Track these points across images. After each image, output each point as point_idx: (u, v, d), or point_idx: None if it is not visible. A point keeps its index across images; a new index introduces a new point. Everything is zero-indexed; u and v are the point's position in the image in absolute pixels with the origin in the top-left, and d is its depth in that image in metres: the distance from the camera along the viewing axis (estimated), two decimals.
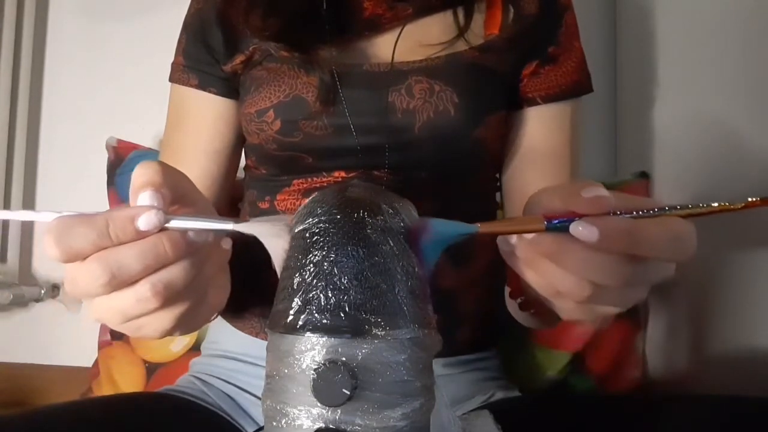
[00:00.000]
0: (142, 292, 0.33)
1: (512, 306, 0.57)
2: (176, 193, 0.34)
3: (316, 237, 0.33)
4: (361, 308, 0.31)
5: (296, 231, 0.34)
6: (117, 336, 0.96)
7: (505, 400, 0.64)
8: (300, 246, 0.33)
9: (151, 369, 0.93)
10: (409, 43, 0.61)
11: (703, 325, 0.78)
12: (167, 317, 0.35)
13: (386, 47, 0.61)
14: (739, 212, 0.33)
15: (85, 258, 0.32)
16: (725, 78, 0.75)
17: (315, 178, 0.62)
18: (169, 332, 0.37)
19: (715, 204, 0.33)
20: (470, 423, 0.47)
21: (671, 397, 0.60)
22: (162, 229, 0.33)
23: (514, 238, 0.36)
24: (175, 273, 0.33)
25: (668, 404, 0.53)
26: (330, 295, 0.31)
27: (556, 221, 0.32)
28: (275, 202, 0.64)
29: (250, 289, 0.60)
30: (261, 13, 0.61)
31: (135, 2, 1.20)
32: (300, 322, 0.31)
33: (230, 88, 0.66)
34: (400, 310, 0.32)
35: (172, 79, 0.68)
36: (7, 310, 1.19)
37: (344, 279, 0.31)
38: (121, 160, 0.99)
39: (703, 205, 0.33)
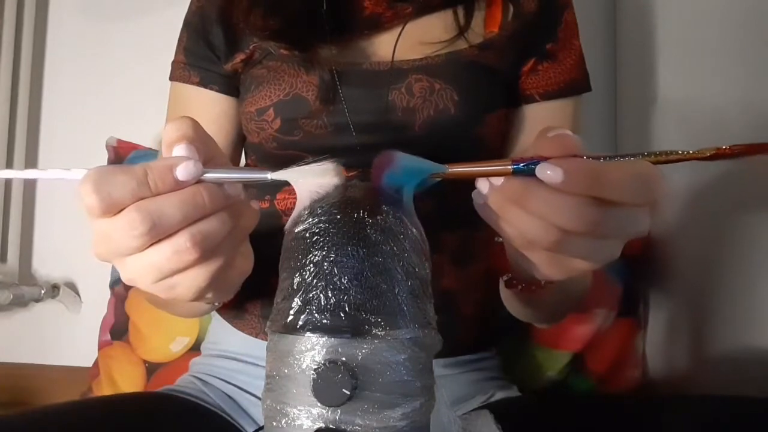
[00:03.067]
0: (181, 243, 0.32)
1: (507, 298, 0.57)
2: (206, 153, 0.34)
3: (316, 237, 0.33)
4: (361, 308, 0.31)
5: (296, 231, 0.34)
6: (117, 336, 0.96)
7: (505, 400, 0.64)
8: (300, 246, 0.33)
9: (151, 369, 0.93)
10: (409, 41, 0.61)
11: (703, 325, 0.78)
12: (202, 274, 0.35)
13: (386, 46, 0.61)
14: (709, 160, 0.33)
15: (120, 209, 0.32)
16: (725, 77, 0.75)
17: None
18: (203, 292, 0.36)
19: (683, 151, 0.33)
20: (470, 423, 0.47)
21: (671, 397, 0.60)
22: (198, 182, 0.33)
23: (485, 188, 0.36)
24: (213, 224, 0.33)
25: (668, 404, 0.53)
26: (330, 295, 0.31)
27: (523, 164, 0.33)
28: (275, 201, 0.64)
29: (252, 289, 0.60)
30: (262, 12, 0.61)
31: (135, 2, 1.20)
32: (300, 322, 0.31)
33: (231, 85, 0.66)
34: (400, 310, 0.32)
35: (172, 78, 0.67)
36: (7, 310, 1.19)
37: (344, 279, 0.31)
38: (121, 160, 0.99)
39: (671, 152, 0.33)
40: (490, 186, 0.35)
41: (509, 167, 0.33)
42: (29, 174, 0.37)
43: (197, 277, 0.35)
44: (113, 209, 0.32)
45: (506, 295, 0.57)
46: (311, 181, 0.34)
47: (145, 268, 0.33)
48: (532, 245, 0.35)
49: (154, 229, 0.31)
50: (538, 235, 0.33)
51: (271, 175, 0.34)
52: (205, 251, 0.33)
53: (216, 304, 0.49)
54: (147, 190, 0.31)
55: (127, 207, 0.31)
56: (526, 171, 0.33)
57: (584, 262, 0.36)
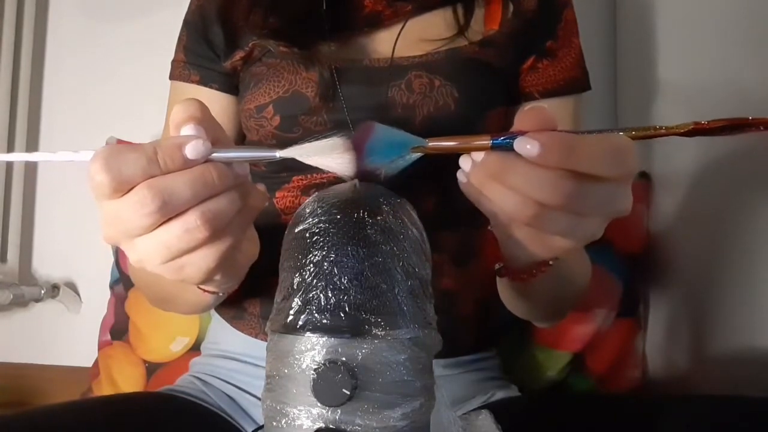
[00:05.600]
0: (191, 221, 0.32)
1: (503, 291, 0.57)
2: (213, 134, 0.34)
3: (316, 237, 0.33)
4: (361, 308, 0.31)
5: (296, 231, 0.34)
6: (117, 336, 0.96)
7: (505, 400, 0.64)
8: (300, 246, 0.33)
9: (151, 369, 0.93)
10: (408, 38, 0.61)
11: (703, 325, 0.78)
12: (212, 254, 0.34)
13: (386, 43, 0.61)
14: (687, 135, 0.34)
15: (130, 188, 0.32)
16: (725, 77, 0.75)
17: (314, 175, 0.62)
18: (212, 273, 0.36)
19: (661, 127, 0.34)
20: (470, 423, 0.47)
21: (671, 397, 0.60)
22: (207, 161, 0.33)
23: (467, 166, 0.37)
24: (223, 203, 0.33)
25: (668, 404, 0.53)
26: (330, 295, 0.31)
27: (501, 138, 0.33)
28: (275, 200, 0.64)
29: (252, 289, 0.60)
30: (262, 10, 0.61)
31: (135, 2, 1.20)
32: (300, 322, 0.31)
33: (231, 84, 0.66)
34: (400, 310, 0.32)
35: (172, 76, 0.67)
36: (7, 310, 1.19)
37: (344, 279, 0.31)
38: None
39: (649, 128, 0.34)
40: (472, 163, 0.36)
41: (488, 141, 0.34)
42: (36, 156, 0.37)
43: (207, 256, 0.35)
44: (123, 187, 0.32)
45: (502, 289, 0.57)
46: (320, 157, 0.34)
47: (154, 248, 0.33)
48: (513, 221, 0.36)
49: (164, 207, 0.31)
50: (517, 210, 0.34)
51: (279, 153, 0.34)
52: (215, 230, 0.33)
53: (221, 294, 0.49)
54: (157, 168, 0.32)
55: (138, 185, 0.32)
56: (504, 145, 0.33)
57: (565, 240, 0.36)
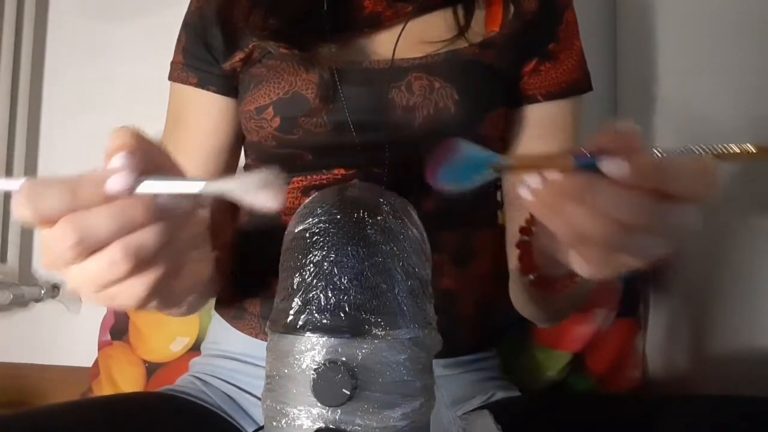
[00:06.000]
0: (113, 255, 0.32)
1: (516, 294, 0.57)
2: (150, 162, 0.33)
3: (316, 237, 0.33)
4: (361, 308, 0.31)
5: (296, 231, 0.34)
6: (117, 336, 0.96)
7: (505, 400, 0.64)
8: (300, 246, 0.33)
9: (151, 369, 0.93)
10: (409, 40, 0.61)
11: (703, 325, 0.78)
12: (140, 284, 0.34)
13: (386, 44, 0.61)
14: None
15: (56, 221, 0.32)
16: (725, 78, 0.75)
17: (314, 176, 0.62)
18: (145, 301, 0.36)
19: (736, 147, 0.33)
20: (470, 423, 0.47)
21: (671, 397, 0.60)
22: (134, 194, 0.32)
23: (536, 183, 0.35)
24: (146, 236, 0.32)
25: (668, 404, 0.53)
26: (330, 295, 0.31)
27: (585, 158, 0.32)
28: None
29: (251, 289, 0.60)
30: (262, 12, 0.61)
31: (135, 2, 1.20)
32: (300, 322, 0.31)
33: (230, 86, 0.66)
34: (400, 310, 0.32)
35: (171, 78, 0.68)
36: (7, 310, 1.18)
37: (344, 279, 0.31)
38: None
39: (727, 148, 0.33)
40: (543, 181, 0.35)
41: (570, 161, 0.33)
42: None
43: (135, 287, 0.34)
44: (47, 221, 0.32)
45: (515, 293, 0.57)
46: (249, 195, 0.33)
47: (83, 278, 0.33)
48: (584, 241, 0.35)
49: (83, 242, 0.31)
50: (596, 230, 0.33)
51: (205, 185, 0.33)
52: (140, 262, 0.33)
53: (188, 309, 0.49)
54: (78, 202, 0.31)
55: (60, 219, 0.32)
56: (588, 165, 0.32)
57: (633, 259, 0.35)
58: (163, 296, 0.37)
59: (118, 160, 0.32)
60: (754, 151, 0.33)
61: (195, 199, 0.35)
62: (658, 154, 0.32)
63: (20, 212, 0.32)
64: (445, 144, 0.34)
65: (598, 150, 0.32)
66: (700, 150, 0.33)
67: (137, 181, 0.32)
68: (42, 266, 0.34)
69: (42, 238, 0.33)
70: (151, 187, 0.33)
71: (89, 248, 0.32)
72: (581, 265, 0.38)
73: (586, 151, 0.33)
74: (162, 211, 0.33)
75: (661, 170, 0.31)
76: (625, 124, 0.32)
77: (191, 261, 0.38)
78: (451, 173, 0.34)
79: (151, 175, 0.33)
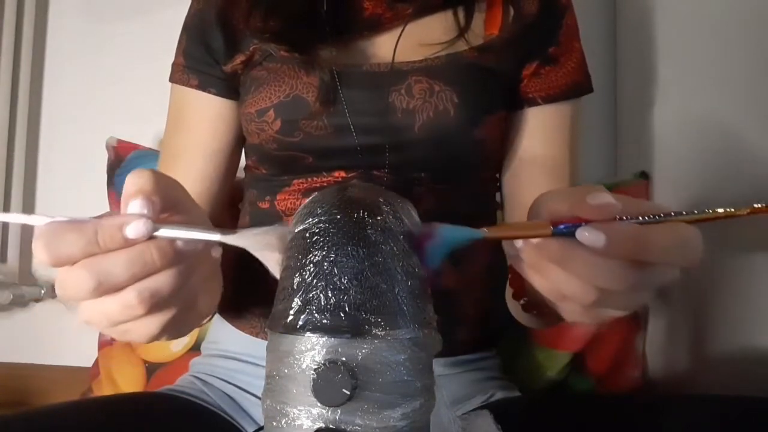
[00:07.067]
0: (128, 299, 0.33)
1: (513, 306, 0.57)
2: (168, 201, 0.34)
3: (316, 237, 0.33)
4: (361, 308, 0.31)
5: (296, 231, 0.34)
6: None
7: (505, 400, 0.64)
8: (300, 246, 0.33)
9: (151, 369, 0.93)
10: (409, 42, 0.61)
11: (703, 325, 0.78)
12: (153, 323, 0.35)
13: (386, 47, 0.61)
14: (744, 218, 0.33)
15: (73, 263, 0.32)
16: (725, 78, 0.75)
17: (315, 178, 0.62)
18: (156, 337, 0.37)
19: (720, 210, 0.33)
20: (470, 423, 0.47)
21: (671, 397, 0.60)
22: (151, 237, 0.33)
23: (520, 242, 0.36)
24: (161, 281, 0.33)
25: (668, 404, 0.53)
26: (330, 295, 0.31)
27: (563, 227, 0.32)
28: (275, 202, 0.64)
29: (252, 289, 0.60)
30: (262, 14, 0.61)
31: (135, 2, 1.20)
32: (300, 322, 0.31)
33: (230, 88, 0.66)
34: (400, 310, 0.32)
35: (172, 80, 0.68)
36: (7, 310, 1.19)
37: (344, 279, 0.31)
38: (121, 161, 0.99)
39: (708, 211, 0.33)
40: (525, 242, 0.35)
41: (549, 230, 0.33)
42: None
43: (149, 326, 0.35)
44: (64, 264, 0.32)
45: (515, 309, 0.57)
46: (261, 250, 0.35)
47: (97, 315, 0.34)
48: (565, 299, 0.36)
49: (100, 287, 0.32)
50: (576, 294, 0.33)
51: (221, 238, 0.34)
52: (154, 306, 0.33)
53: (203, 323, 0.50)
54: (96, 247, 0.32)
55: (78, 263, 0.32)
56: (566, 233, 0.32)
57: (616, 311, 0.36)
58: (174, 331, 0.39)
59: (137, 206, 0.33)
60: (745, 212, 0.33)
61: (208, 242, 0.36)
62: (638, 221, 0.32)
63: (38, 256, 0.32)
64: (427, 229, 0.35)
65: (576, 219, 0.32)
66: (684, 215, 0.33)
67: (155, 227, 0.33)
68: (58, 296, 0.35)
69: (59, 274, 0.33)
70: (170, 233, 0.33)
71: (106, 291, 0.33)
72: (564, 313, 0.39)
73: (563, 219, 0.33)
74: (178, 255, 0.33)
75: (638, 240, 0.31)
76: (603, 194, 0.32)
77: (202, 295, 0.39)
78: (433, 257, 0.34)
79: (170, 210, 0.34)
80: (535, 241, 0.34)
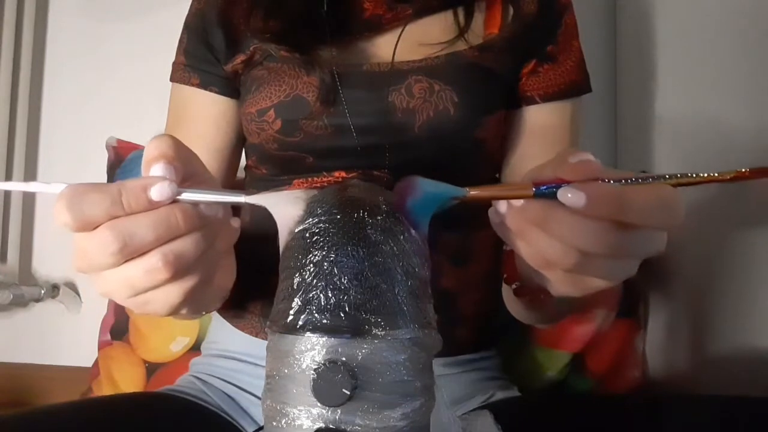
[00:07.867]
0: (153, 263, 0.32)
1: (509, 301, 0.57)
2: (188, 170, 0.34)
3: (316, 237, 0.33)
4: (361, 308, 0.31)
5: (296, 231, 0.34)
6: (117, 336, 0.96)
7: (505, 400, 0.64)
8: (300, 246, 0.33)
9: (151, 369, 0.93)
10: (408, 42, 0.61)
11: (703, 325, 0.78)
12: (175, 292, 0.35)
13: (386, 47, 0.61)
14: (729, 182, 0.33)
15: (95, 227, 0.32)
16: (724, 77, 0.75)
17: (315, 178, 0.62)
18: (177, 309, 0.36)
19: (704, 174, 0.33)
20: (470, 423, 0.47)
21: (671, 397, 0.60)
22: (174, 201, 0.33)
23: (503, 208, 0.36)
24: (186, 244, 0.33)
25: (668, 404, 0.53)
26: (330, 295, 0.31)
27: (544, 187, 0.33)
28: None
29: (252, 289, 0.60)
30: (262, 14, 0.61)
31: (135, 2, 1.20)
32: (300, 322, 0.31)
33: (231, 87, 0.66)
34: (400, 310, 0.32)
35: (173, 79, 0.68)
36: (7, 310, 1.19)
37: (344, 279, 0.31)
38: (121, 160, 0.99)
39: (692, 175, 0.33)
40: (509, 206, 0.35)
41: (531, 191, 0.33)
42: (5, 186, 0.37)
43: (170, 294, 0.35)
44: (87, 227, 0.32)
45: (509, 299, 0.57)
46: (283, 208, 0.35)
47: (119, 284, 0.34)
48: (549, 265, 0.35)
49: (125, 249, 0.32)
50: (558, 257, 0.33)
51: (245, 199, 0.34)
52: (178, 270, 0.33)
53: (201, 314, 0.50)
54: (120, 209, 0.32)
55: (102, 225, 0.32)
56: (547, 194, 0.32)
57: (601, 281, 0.36)
58: (194, 304, 0.38)
59: (159, 170, 0.33)
60: (729, 177, 0.33)
61: (228, 209, 0.36)
62: (620, 183, 0.32)
63: (59, 217, 0.32)
64: (404, 184, 0.34)
65: (558, 179, 0.32)
66: (667, 178, 0.33)
67: (179, 190, 0.33)
68: (74, 269, 0.34)
69: (77, 242, 0.33)
70: (194, 196, 0.33)
71: (131, 254, 0.32)
72: (550, 285, 0.38)
73: (545, 180, 0.33)
74: (202, 219, 0.33)
75: (619, 200, 0.31)
76: (583, 154, 0.32)
77: (221, 269, 0.39)
78: (414, 211, 0.34)
79: (188, 180, 0.34)
80: (517, 204, 0.34)
